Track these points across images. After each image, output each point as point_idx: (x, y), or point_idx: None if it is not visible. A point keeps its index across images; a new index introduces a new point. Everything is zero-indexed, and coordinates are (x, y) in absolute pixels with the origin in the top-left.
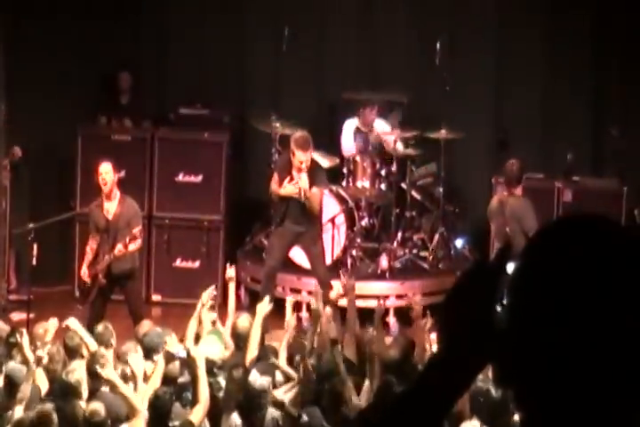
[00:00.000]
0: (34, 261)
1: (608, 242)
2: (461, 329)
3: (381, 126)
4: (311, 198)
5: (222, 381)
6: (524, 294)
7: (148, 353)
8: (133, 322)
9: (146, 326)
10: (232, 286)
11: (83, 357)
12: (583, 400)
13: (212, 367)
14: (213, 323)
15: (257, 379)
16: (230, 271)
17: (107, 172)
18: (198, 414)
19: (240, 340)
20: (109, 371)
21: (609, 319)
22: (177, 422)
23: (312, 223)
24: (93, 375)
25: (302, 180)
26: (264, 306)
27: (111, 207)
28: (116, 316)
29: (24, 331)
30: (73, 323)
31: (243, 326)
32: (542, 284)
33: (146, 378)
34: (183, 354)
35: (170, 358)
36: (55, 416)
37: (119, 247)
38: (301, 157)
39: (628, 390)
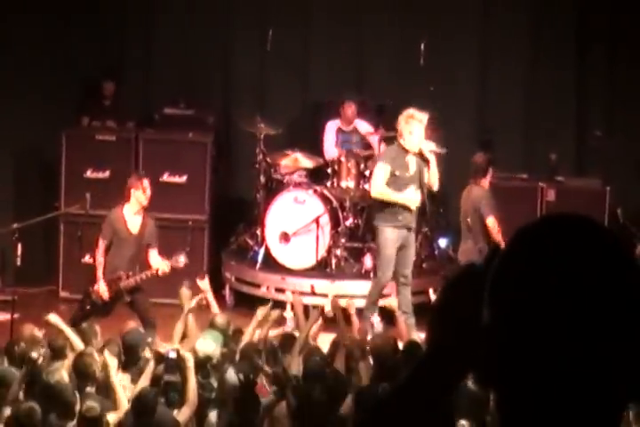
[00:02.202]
0: (18, 262)
1: (588, 241)
2: (449, 330)
3: (365, 127)
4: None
5: (214, 382)
6: (503, 294)
7: (129, 351)
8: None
9: (129, 325)
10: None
11: (66, 357)
12: (563, 401)
13: (206, 364)
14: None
15: (232, 377)
16: (203, 283)
17: (149, 187)
18: (185, 414)
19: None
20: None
21: (589, 320)
22: (161, 422)
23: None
24: (80, 375)
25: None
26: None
27: (135, 222)
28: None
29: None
30: (54, 318)
31: (220, 323)
32: (521, 284)
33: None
34: (173, 355)
35: (159, 359)
36: (39, 413)
37: (163, 268)
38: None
39: (611, 393)
